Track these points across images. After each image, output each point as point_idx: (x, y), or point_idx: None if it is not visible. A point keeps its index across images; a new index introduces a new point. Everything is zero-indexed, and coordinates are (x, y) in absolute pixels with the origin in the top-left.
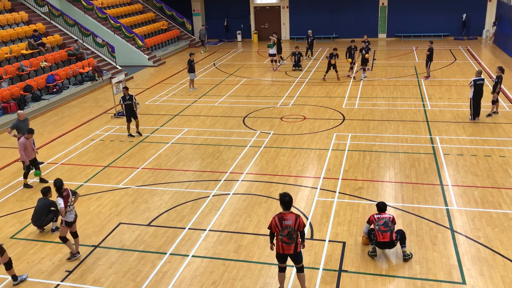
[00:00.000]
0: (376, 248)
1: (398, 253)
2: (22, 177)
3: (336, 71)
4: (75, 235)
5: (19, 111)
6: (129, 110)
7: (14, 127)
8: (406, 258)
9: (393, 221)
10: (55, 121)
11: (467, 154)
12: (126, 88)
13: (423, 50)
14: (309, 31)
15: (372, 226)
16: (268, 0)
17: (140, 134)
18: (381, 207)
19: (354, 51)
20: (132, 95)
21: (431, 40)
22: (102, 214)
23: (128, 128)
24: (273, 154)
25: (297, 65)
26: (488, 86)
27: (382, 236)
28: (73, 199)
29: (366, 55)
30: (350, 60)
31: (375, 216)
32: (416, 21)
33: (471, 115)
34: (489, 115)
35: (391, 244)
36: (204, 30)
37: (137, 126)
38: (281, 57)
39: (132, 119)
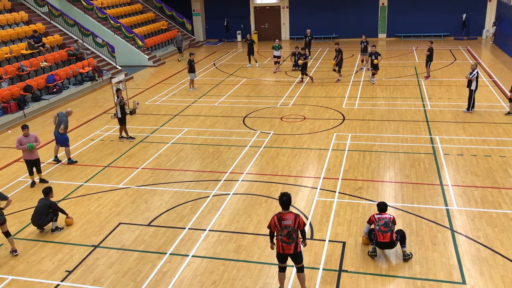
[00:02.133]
0: (376, 248)
1: (398, 253)
2: (28, 174)
3: (304, 72)
4: (7, 234)
5: (68, 109)
6: (124, 112)
7: (64, 123)
8: (406, 258)
9: (393, 222)
10: None
11: (467, 154)
12: (120, 90)
13: (423, 50)
14: (308, 30)
15: (372, 226)
16: (268, 0)
17: (131, 139)
18: (382, 207)
19: (338, 54)
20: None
21: (431, 40)
22: (102, 214)
23: (126, 130)
24: (273, 154)
25: (297, 65)
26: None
27: (382, 237)
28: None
29: (375, 60)
30: (334, 62)
31: (376, 216)
32: (416, 21)
33: (470, 108)
34: (508, 113)
35: (391, 245)
36: (180, 37)
37: (126, 130)
38: (254, 60)
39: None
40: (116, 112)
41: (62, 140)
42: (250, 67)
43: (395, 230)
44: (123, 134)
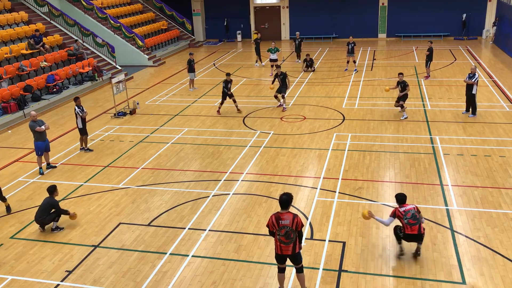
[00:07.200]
0: (402, 247)
1: (398, 253)
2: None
3: (235, 101)
4: None
5: (32, 112)
6: (85, 122)
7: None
8: (417, 254)
9: (418, 211)
10: (55, 121)
11: (467, 154)
12: (79, 99)
13: (423, 50)
14: (297, 33)
15: (394, 220)
16: (268, 0)
17: (88, 151)
18: (403, 198)
19: (280, 76)
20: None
21: (431, 40)
22: (102, 214)
23: (86, 141)
24: (273, 154)
25: (310, 66)
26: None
27: (410, 229)
28: None
29: (399, 92)
30: (272, 87)
31: (401, 210)
32: (416, 21)
33: (474, 112)
34: None
35: (418, 237)
36: (77, 45)
37: (86, 141)
38: (259, 59)
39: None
40: (77, 122)
41: (46, 146)
42: (258, 66)
43: (422, 222)
44: (83, 145)
